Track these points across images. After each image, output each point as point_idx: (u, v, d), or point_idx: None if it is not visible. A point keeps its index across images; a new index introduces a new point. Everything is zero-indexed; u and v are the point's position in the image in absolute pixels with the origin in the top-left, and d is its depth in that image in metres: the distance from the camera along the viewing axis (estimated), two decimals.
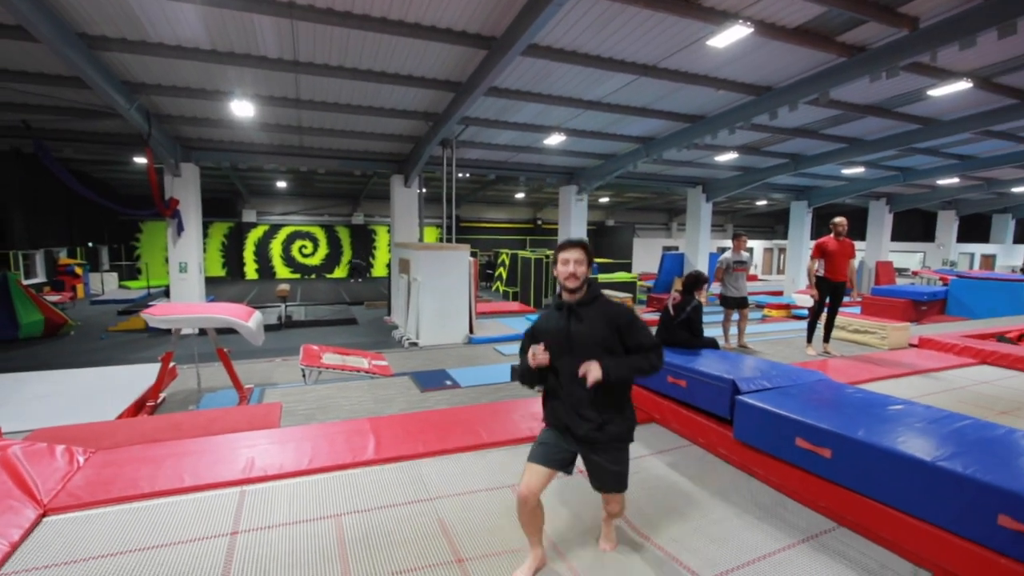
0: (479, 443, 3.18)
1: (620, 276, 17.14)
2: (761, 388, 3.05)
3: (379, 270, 25.77)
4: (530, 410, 3.74)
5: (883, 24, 5.98)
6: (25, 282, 11.53)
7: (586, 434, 2.12)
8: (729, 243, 8.28)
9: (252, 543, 2.29)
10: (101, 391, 5.15)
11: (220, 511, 2.51)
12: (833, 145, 11.72)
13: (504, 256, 19.46)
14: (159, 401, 5.22)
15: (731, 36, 6.06)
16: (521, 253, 17.53)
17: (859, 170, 14.45)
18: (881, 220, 18.47)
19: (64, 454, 3.04)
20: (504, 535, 2.37)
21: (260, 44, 6.53)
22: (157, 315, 4.74)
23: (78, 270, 15.90)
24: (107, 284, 17.42)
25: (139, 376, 5.59)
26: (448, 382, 5.93)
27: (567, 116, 9.76)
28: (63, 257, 16.32)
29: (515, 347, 8.78)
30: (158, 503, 2.59)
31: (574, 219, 14.69)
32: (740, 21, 5.82)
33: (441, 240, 12.53)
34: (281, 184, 21.20)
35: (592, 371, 2.02)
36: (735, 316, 6.95)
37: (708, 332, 4.43)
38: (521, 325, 11.18)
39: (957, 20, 5.59)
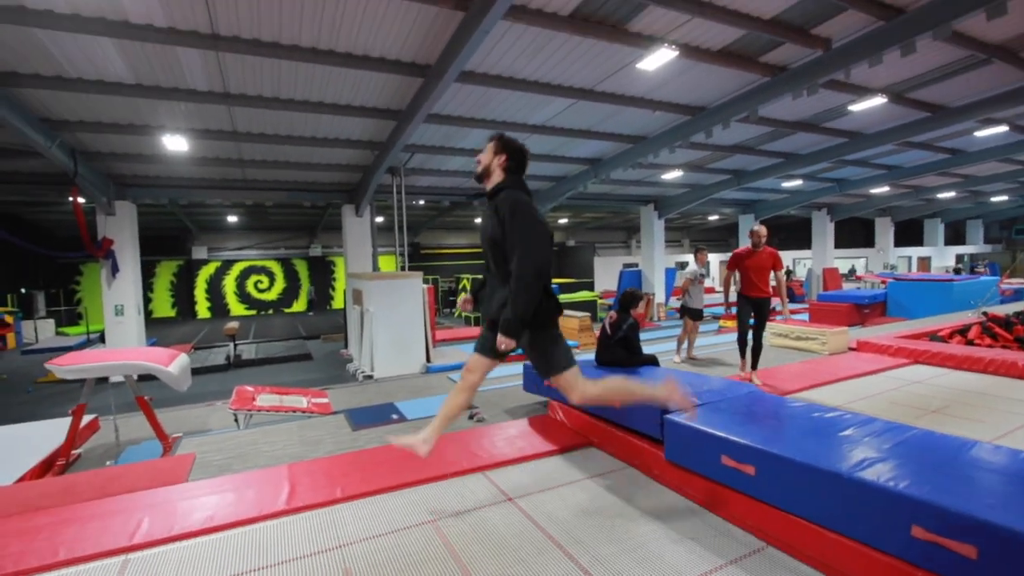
0: (402, 482, 3.00)
1: (582, 296, 17.25)
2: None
3: (339, 302, 25.17)
4: (465, 442, 3.59)
5: (799, 45, 6.29)
6: None
7: (495, 318, 2.31)
8: (686, 257, 8.47)
9: None
10: (6, 451, 4.70)
11: None
12: (771, 160, 12.22)
13: (465, 281, 19.35)
14: (72, 459, 4.80)
15: (659, 59, 6.26)
16: (480, 277, 17.47)
17: (798, 183, 15.12)
18: (824, 229, 19.32)
19: None
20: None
21: (188, 76, 6.33)
22: (65, 364, 4.38)
23: (8, 319, 14.87)
24: (42, 331, 16.33)
25: (55, 432, 5.13)
26: (395, 415, 5.69)
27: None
28: None
29: None
30: None
31: None
32: (666, 45, 6.02)
33: (402, 268, 12.36)
34: (232, 218, 20.58)
35: (500, 343, 2.24)
36: (688, 330, 7.03)
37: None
38: None
39: (864, 40, 5.94)
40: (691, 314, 6.91)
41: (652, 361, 4.07)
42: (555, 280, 19.92)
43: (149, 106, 7.02)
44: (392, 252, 19.97)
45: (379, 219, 17.43)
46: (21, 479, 4.12)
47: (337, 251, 25.63)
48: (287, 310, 24.83)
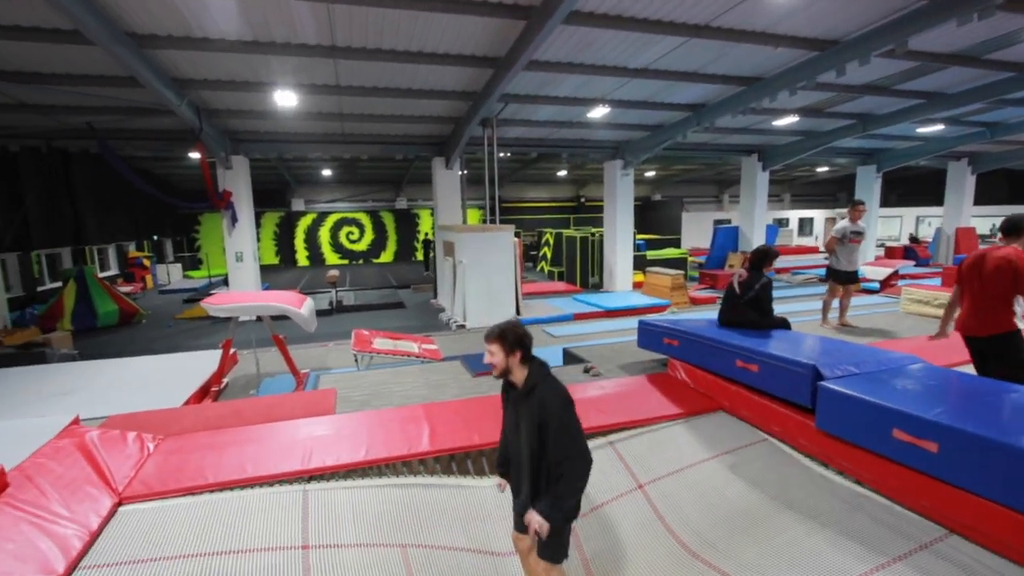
0: None
1: (669, 252, 16.56)
2: (848, 373, 2.75)
3: (421, 253, 26.04)
4: (585, 397, 3.58)
5: None
6: (100, 275, 12.30)
7: (518, 511, 2.20)
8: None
9: (325, 565, 2.23)
10: (169, 378, 5.38)
11: (286, 513, 2.47)
12: (908, 101, 10.66)
13: (548, 236, 19.17)
14: (222, 387, 5.41)
15: None
16: (566, 232, 17.21)
17: (938, 128, 13.15)
18: (962, 183, 16.85)
19: (135, 441, 3.14)
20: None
21: (299, 31, 6.49)
22: (215, 304, 4.87)
23: (146, 262, 16.89)
24: (172, 275, 18.45)
25: (204, 362, 5.81)
26: None
27: (611, 86, 9.31)
28: (132, 250, 17.35)
29: (564, 328, 8.65)
30: (226, 496, 2.60)
31: (620, 195, 14.17)
32: None
33: (485, 221, 12.46)
34: (327, 172, 21.63)
35: (532, 523, 2.04)
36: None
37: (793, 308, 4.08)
38: (568, 305, 11.00)
39: None
40: (839, 277, 6.27)
41: (784, 324, 3.79)
42: (641, 235, 19.23)
43: (263, 62, 7.32)
44: (477, 205, 20.10)
45: (465, 172, 17.61)
46: (187, 402, 4.73)
47: (421, 204, 26.30)
48: (375, 260, 26.15)
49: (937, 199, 17.65)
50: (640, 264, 14.60)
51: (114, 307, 10.84)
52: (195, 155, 9.37)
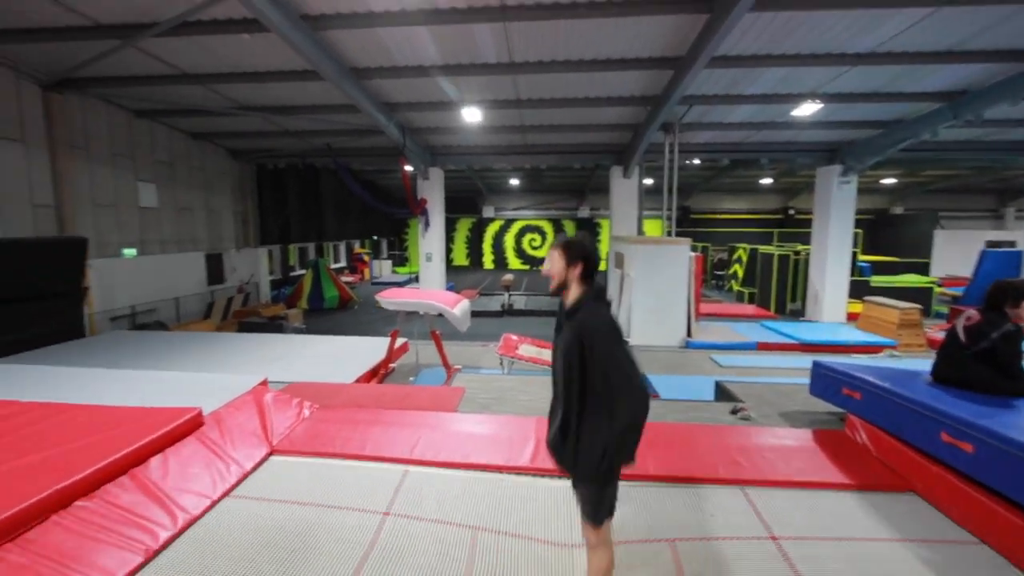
0: (633, 472, 2.69)
1: (906, 279, 13.21)
2: None
3: (602, 264, 25.92)
4: (723, 442, 3.02)
5: None
6: (332, 266, 15.18)
7: (549, 442, 2.06)
8: None
9: (397, 529, 2.37)
10: (353, 356, 6.28)
11: (383, 486, 2.71)
12: None
13: (741, 252, 17.21)
14: (389, 370, 6.11)
15: None
16: (761, 248, 15.21)
17: None
18: None
19: (297, 406, 3.71)
20: None
21: (481, 51, 6.99)
22: (385, 298, 5.52)
23: (366, 258, 20.32)
24: (384, 269, 21.85)
25: (382, 347, 6.66)
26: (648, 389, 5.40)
27: (824, 78, 7.88)
28: (357, 247, 21.04)
29: (738, 357, 7.61)
30: (343, 464, 2.97)
31: (835, 207, 11.82)
32: None
33: (670, 234, 11.68)
34: (514, 181, 23.07)
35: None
36: None
37: None
38: (753, 332, 9.67)
39: None
40: None
41: None
42: (866, 257, 15.90)
43: (453, 83, 8.09)
44: (659, 216, 19.20)
45: (648, 181, 16.87)
46: (358, 380, 5.44)
47: (604, 213, 26.20)
48: None
49: None
50: (860, 291, 12.00)
51: (335, 293, 13.26)
52: (408, 168, 11.02)
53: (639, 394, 1.77)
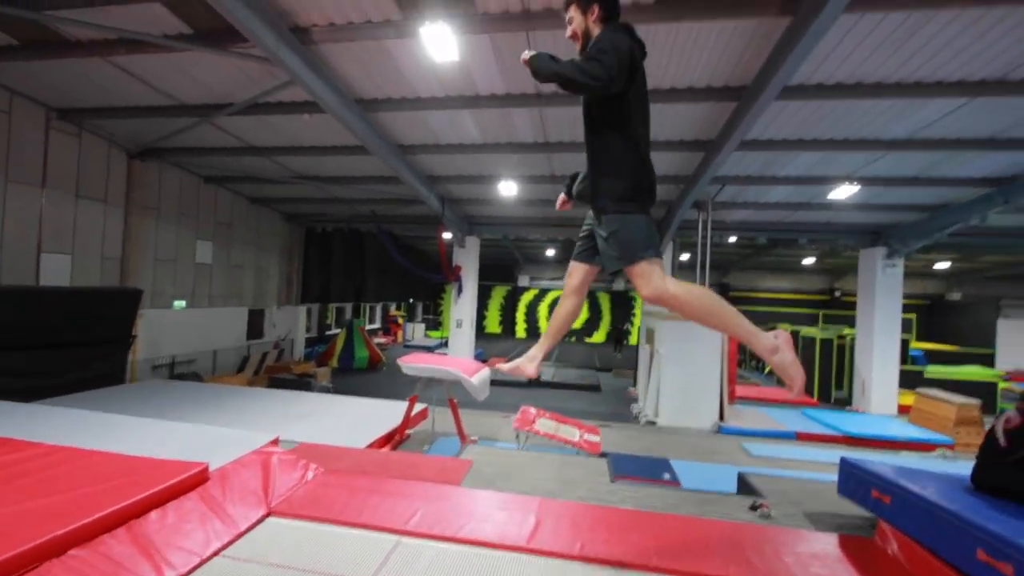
0: (648, 564, 2.49)
1: (966, 372, 12.28)
2: None
3: (634, 338, 25.40)
4: (739, 543, 2.78)
5: None
6: (367, 327, 15.56)
7: (581, 191, 2.18)
8: None
9: None
10: (369, 420, 6.26)
11: (372, 555, 2.62)
12: None
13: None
14: (404, 437, 6.04)
15: None
16: (804, 330, 14.61)
17: None
18: None
19: (302, 468, 3.69)
20: None
21: (518, 132, 7.44)
22: (406, 362, 5.57)
23: (400, 320, 20.72)
24: (417, 332, 22.18)
25: (400, 412, 6.64)
26: (666, 475, 5.10)
27: (859, 162, 7.89)
28: (393, 309, 21.57)
29: (774, 447, 7.13)
30: (336, 530, 2.88)
31: (880, 291, 11.32)
32: None
33: None
34: (550, 252, 23.44)
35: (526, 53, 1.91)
36: None
37: None
38: (792, 420, 9.09)
39: None
40: None
41: None
42: (920, 344, 14.97)
43: (491, 160, 8.57)
44: None
45: (684, 256, 16.81)
46: (371, 444, 5.40)
47: None
48: (588, 339, 26.56)
49: None
50: (913, 381, 11.20)
51: (366, 353, 13.48)
52: (447, 235, 11.52)
53: (601, 71, 1.82)
